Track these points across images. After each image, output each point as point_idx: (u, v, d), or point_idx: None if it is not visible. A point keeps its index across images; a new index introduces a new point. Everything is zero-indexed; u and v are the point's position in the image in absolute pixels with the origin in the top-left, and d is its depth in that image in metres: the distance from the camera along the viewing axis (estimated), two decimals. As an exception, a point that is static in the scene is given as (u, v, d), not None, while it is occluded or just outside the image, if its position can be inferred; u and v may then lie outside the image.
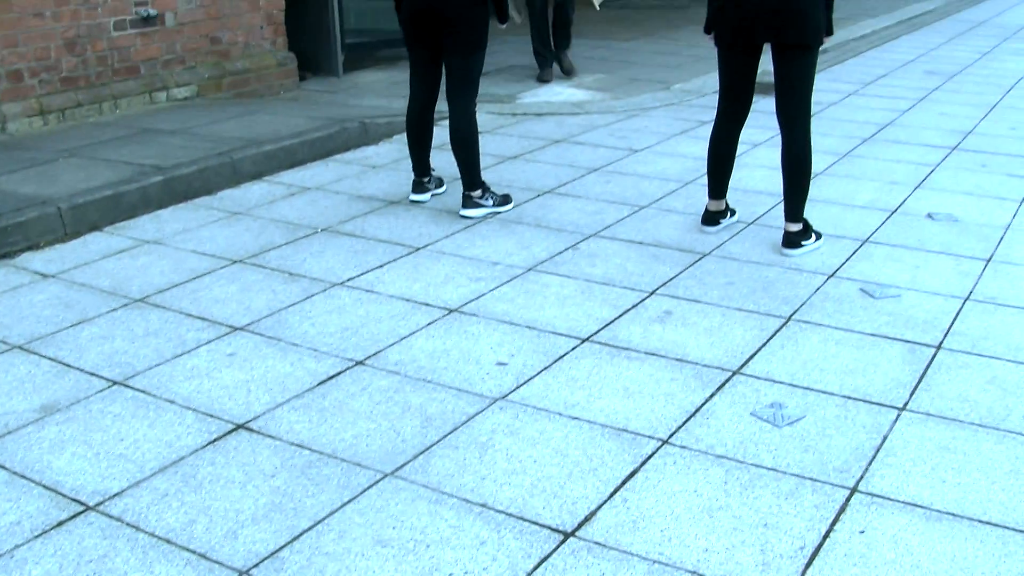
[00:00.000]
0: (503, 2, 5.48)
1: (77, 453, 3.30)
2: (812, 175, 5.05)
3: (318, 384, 3.76)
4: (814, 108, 5.08)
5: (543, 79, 9.16)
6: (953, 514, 3.00)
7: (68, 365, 3.90)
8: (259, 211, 5.71)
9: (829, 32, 4.88)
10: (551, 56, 9.24)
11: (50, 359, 3.95)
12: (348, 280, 4.72)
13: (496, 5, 5.47)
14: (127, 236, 5.31)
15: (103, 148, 6.38)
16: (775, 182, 5.42)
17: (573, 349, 4.05)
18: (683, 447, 3.35)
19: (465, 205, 5.58)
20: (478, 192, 5.58)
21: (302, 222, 5.51)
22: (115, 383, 3.76)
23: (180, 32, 7.70)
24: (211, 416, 3.53)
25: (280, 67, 8.49)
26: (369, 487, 3.12)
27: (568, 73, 9.37)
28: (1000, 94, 9.04)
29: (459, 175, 5.63)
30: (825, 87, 8.74)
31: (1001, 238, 5.30)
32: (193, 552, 2.83)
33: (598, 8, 9.20)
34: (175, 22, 7.64)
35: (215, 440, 3.38)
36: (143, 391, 3.70)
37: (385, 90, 8.62)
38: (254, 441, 3.38)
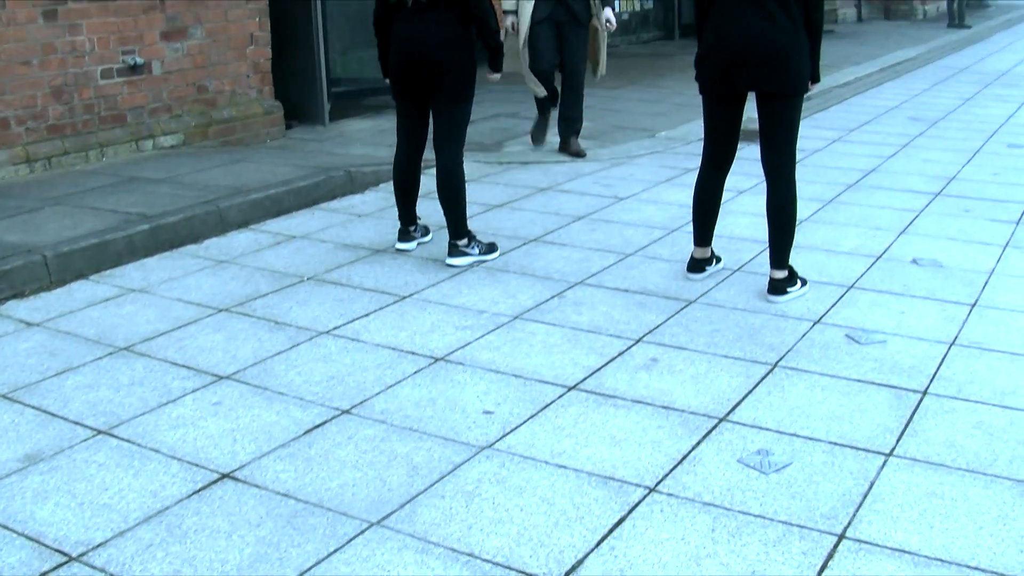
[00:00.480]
0: (497, 52, 5.53)
1: (61, 503, 3.27)
2: (797, 222, 5.08)
3: (304, 433, 3.74)
4: (798, 155, 5.12)
5: (536, 139, 8.55)
6: (941, 559, 2.99)
7: (52, 414, 3.88)
8: (245, 259, 5.71)
9: (815, 79, 4.93)
10: (548, 115, 8.47)
11: (34, 408, 3.93)
12: (334, 329, 4.72)
13: (490, 53, 5.52)
14: (113, 284, 5.30)
15: (89, 196, 6.38)
16: (760, 229, 5.44)
17: (559, 397, 4.04)
18: (670, 495, 3.34)
19: (451, 254, 5.59)
20: (464, 241, 5.59)
21: (288, 270, 5.51)
22: (100, 432, 3.74)
23: (167, 80, 7.73)
24: (196, 465, 3.51)
25: (266, 115, 8.52)
26: (355, 536, 3.10)
27: (573, 152, 8.28)
28: (983, 140, 9.12)
29: (445, 223, 5.64)
30: (809, 134, 8.80)
31: (985, 283, 5.32)
32: (177, 604, 2.81)
33: (601, 75, 8.59)
34: (162, 70, 7.67)
35: (200, 490, 3.36)
36: (128, 440, 3.68)
37: (371, 139, 8.65)
38: (239, 491, 3.36)
